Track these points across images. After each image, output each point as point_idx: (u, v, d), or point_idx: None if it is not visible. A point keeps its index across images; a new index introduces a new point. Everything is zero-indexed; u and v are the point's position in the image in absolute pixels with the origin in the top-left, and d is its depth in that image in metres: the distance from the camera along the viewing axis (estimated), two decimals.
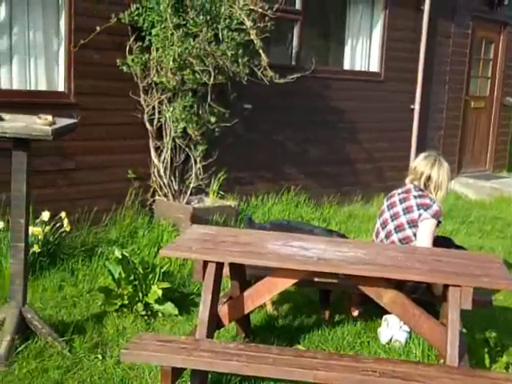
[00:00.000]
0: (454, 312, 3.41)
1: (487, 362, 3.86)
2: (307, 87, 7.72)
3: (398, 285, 3.76)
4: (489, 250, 6.98)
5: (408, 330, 4.36)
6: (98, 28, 5.78)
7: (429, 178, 4.52)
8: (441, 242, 4.62)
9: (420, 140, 9.52)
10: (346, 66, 8.93)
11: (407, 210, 4.46)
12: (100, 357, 3.95)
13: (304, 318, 4.81)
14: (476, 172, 11.22)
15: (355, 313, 4.73)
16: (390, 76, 9.06)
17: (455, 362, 3.35)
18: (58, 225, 5.34)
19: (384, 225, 4.58)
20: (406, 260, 3.69)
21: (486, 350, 3.93)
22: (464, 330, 4.03)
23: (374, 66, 9.02)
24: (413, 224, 4.43)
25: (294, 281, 3.71)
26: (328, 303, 4.77)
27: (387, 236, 4.51)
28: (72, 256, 5.36)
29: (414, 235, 4.42)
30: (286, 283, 3.73)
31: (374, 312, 4.66)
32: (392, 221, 4.52)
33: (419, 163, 4.59)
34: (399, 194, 4.59)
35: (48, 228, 5.26)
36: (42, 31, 5.81)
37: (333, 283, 4.04)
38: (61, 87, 5.93)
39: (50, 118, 3.76)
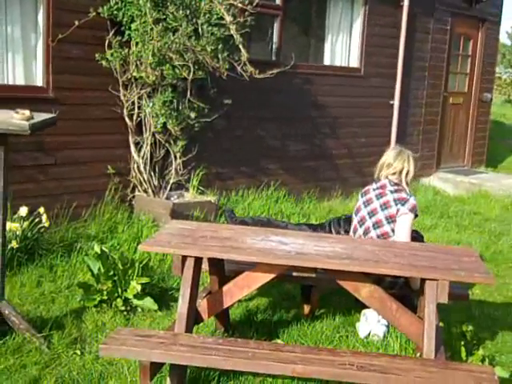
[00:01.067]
0: (430, 305, 3.45)
1: (463, 354, 3.91)
2: (287, 83, 7.74)
3: (377, 280, 3.80)
4: (466, 244, 7.05)
5: (386, 323, 4.40)
6: (76, 22, 5.74)
7: (407, 172, 4.56)
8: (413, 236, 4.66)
9: (399, 135, 9.58)
10: (326, 61, 8.95)
11: (385, 206, 4.48)
12: (79, 352, 3.95)
13: (283, 312, 4.83)
14: (454, 167, 11.31)
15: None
16: (370, 71, 9.10)
17: (432, 354, 3.40)
18: (36, 220, 5.31)
19: (362, 222, 4.58)
20: (383, 254, 3.72)
21: (462, 343, 3.98)
22: (441, 324, 4.07)
23: (354, 62, 9.05)
24: (391, 220, 4.45)
25: (273, 275, 3.73)
26: (309, 298, 4.79)
27: (366, 232, 4.53)
28: (51, 252, 5.34)
29: (392, 231, 4.44)
30: (265, 278, 3.74)
31: (353, 307, 4.71)
32: (370, 217, 4.52)
33: (395, 159, 4.58)
34: (374, 189, 4.59)
35: (26, 224, 5.23)
36: (20, 25, 5.76)
37: (311, 278, 4.07)
38: (39, 82, 5.88)
39: (27, 112, 3.73)
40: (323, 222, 5.07)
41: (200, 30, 5.97)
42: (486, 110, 12.04)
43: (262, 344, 3.47)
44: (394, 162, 4.59)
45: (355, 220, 4.64)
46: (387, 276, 4.15)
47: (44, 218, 5.32)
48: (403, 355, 4.05)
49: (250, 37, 7.01)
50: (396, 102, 9.51)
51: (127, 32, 6.06)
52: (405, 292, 4.33)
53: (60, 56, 5.84)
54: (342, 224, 4.96)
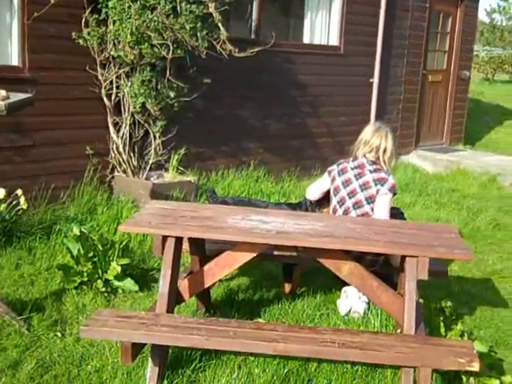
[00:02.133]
0: (410, 282, 3.48)
1: (442, 330, 3.94)
2: (267, 61, 7.70)
3: (358, 258, 3.81)
4: (445, 221, 7.12)
5: (367, 300, 4.43)
6: (52, 0, 5.64)
7: (385, 150, 4.50)
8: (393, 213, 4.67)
9: (378, 113, 9.60)
10: (306, 39, 8.91)
11: (364, 187, 4.44)
12: (59, 334, 3.94)
13: (264, 291, 4.85)
14: (433, 145, 11.38)
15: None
16: (350, 50, 9.08)
17: (412, 330, 3.43)
18: (14, 203, 5.25)
19: (341, 202, 4.52)
20: (364, 232, 3.74)
21: (441, 318, 4.02)
22: (420, 300, 4.11)
23: (334, 40, 9.02)
24: (371, 200, 4.43)
25: (254, 254, 3.73)
26: (290, 277, 4.81)
27: (345, 213, 4.49)
28: (29, 234, 5.29)
29: (372, 210, 4.44)
30: (246, 257, 3.74)
31: (334, 284, 4.73)
32: (350, 198, 4.48)
33: (373, 136, 4.51)
34: (352, 168, 4.51)
35: (4, 206, 5.16)
36: None
37: (292, 256, 4.07)
38: (15, 61, 5.78)
39: (3, 92, 3.68)
40: (301, 201, 5.06)
41: (178, 7, 5.90)
42: (465, 87, 12.09)
43: (244, 323, 3.48)
44: (371, 138, 4.51)
45: (334, 200, 4.58)
46: (368, 254, 4.17)
47: (22, 200, 5.25)
48: (384, 332, 4.09)
49: (229, 15, 6.94)
50: (375, 80, 9.52)
51: (104, 10, 5.97)
52: (385, 269, 4.36)
53: (36, 35, 5.74)
54: (315, 202, 4.91)
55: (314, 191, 4.83)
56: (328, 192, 4.70)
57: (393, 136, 4.59)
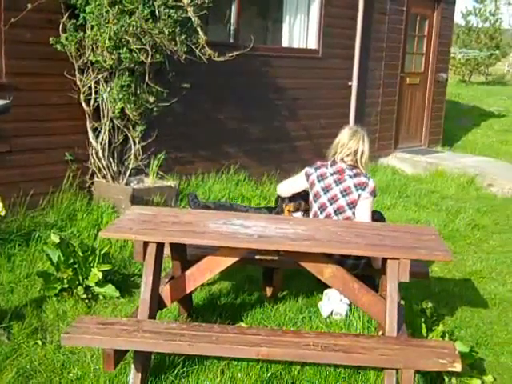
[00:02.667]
0: (392, 284, 3.50)
1: (424, 331, 3.97)
2: (246, 65, 7.70)
3: (340, 263, 3.82)
4: (425, 222, 7.17)
5: (348, 302, 4.45)
6: (29, 5, 5.59)
7: (362, 153, 4.49)
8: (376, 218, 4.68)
9: (357, 116, 9.65)
10: (285, 43, 8.94)
11: (345, 192, 4.43)
12: (40, 342, 3.91)
13: (246, 295, 4.85)
14: (412, 147, 11.45)
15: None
16: (328, 53, 9.11)
17: (394, 332, 3.45)
18: None
19: (322, 208, 4.50)
20: (345, 235, 3.75)
21: (422, 319, 4.05)
22: (402, 302, 4.13)
23: (312, 43, 9.04)
24: (353, 205, 4.43)
25: (236, 259, 3.73)
26: (271, 280, 4.81)
27: (327, 219, 4.49)
28: (8, 241, 5.23)
29: (354, 214, 4.44)
30: (228, 261, 3.74)
31: (315, 287, 4.74)
32: (331, 204, 4.46)
33: (350, 139, 4.49)
34: (332, 174, 4.48)
35: None
36: None
37: (274, 260, 4.08)
38: None
39: None
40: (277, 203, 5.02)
41: (157, 12, 5.88)
42: (442, 89, 12.19)
43: (226, 328, 3.47)
44: (348, 141, 4.49)
45: (315, 206, 4.55)
46: (349, 257, 4.19)
47: (0, 206, 5.20)
48: (366, 334, 4.10)
49: (208, 19, 6.94)
50: (354, 83, 9.56)
51: (82, 15, 5.92)
52: (367, 272, 4.38)
53: (13, 40, 5.69)
54: (287, 201, 4.87)
55: (286, 190, 4.82)
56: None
57: (368, 139, 4.59)
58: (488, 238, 6.96)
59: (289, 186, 4.82)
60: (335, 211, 4.46)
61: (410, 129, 11.57)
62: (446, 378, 3.78)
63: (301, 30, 9.01)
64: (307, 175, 4.62)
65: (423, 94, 11.72)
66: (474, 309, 4.96)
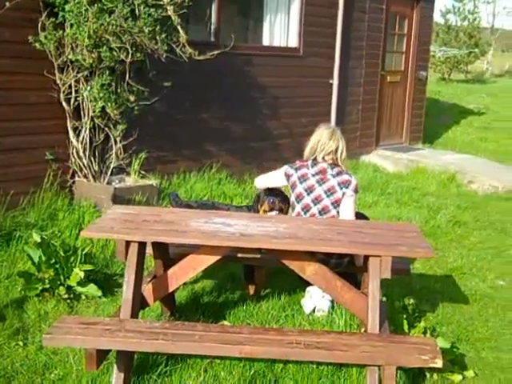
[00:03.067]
0: (374, 281, 3.52)
1: (406, 327, 4.00)
2: (227, 64, 7.69)
3: (323, 261, 3.83)
4: (406, 219, 7.21)
5: (330, 298, 4.46)
6: (7, 4, 5.53)
7: (342, 151, 4.53)
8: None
9: (339, 114, 9.68)
10: (265, 41, 8.94)
11: (330, 192, 4.43)
12: (21, 343, 3.88)
13: (229, 294, 4.85)
14: (393, 144, 11.52)
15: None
16: (309, 51, 9.13)
17: (376, 329, 3.47)
18: None
19: (306, 209, 4.49)
20: (327, 233, 3.76)
21: (404, 316, 4.07)
22: (384, 299, 4.16)
23: (293, 42, 9.06)
24: (337, 204, 4.44)
25: (218, 257, 3.73)
26: (253, 279, 4.81)
27: None
28: None
29: (338, 213, 4.45)
30: (210, 260, 3.74)
31: (298, 285, 4.75)
32: (315, 205, 4.46)
33: (330, 139, 4.51)
34: (314, 175, 4.48)
35: None
36: None
37: (256, 258, 4.07)
38: None
39: None
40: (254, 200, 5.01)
41: (137, 10, 5.85)
42: (422, 87, 12.27)
43: (209, 326, 3.47)
44: (329, 140, 4.51)
45: (298, 207, 4.53)
46: (332, 256, 4.20)
47: None
48: (349, 331, 4.12)
49: (188, 18, 6.92)
50: (335, 82, 9.59)
51: (61, 13, 5.88)
52: (349, 269, 4.39)
53: None
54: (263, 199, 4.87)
55: (263, 184, 4.84)
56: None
57: (343, 136, 4.63)
58: (469, 234, 7.02)
59: (266, 181, 4.84)
60: (320, 211, 4.46)
61: (391, 126, 11.64)
62: (428, 374, 3.81)
63: (281, 29, 9.03)
64: (287, 175, 4.62)
65: (404, 92, 11.79)
66: (455, 305, 5.00)
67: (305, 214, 4.51)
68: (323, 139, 4.53)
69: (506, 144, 13.26)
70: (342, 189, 4.43)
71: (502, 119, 16.51)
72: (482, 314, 4.90)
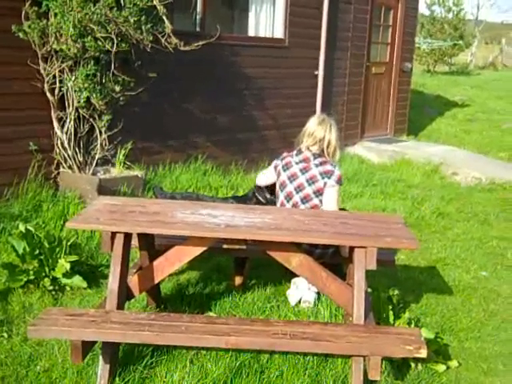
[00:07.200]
0: (359, 273, 3.54)
1: (391, 318, 4.03)
2: (213, 54, 7.67)
3: (308, 252, 3.84)
4: (391, 211, 7.25)
5: (316, 290, 4.48)
6: None
7: (329, 143, 4.52)
8: None
9: (324, 105, 9.69)
10: (251, 32, 8.92)
11: (311, 181, 4.45)
12: (6, 335, 3.86)
13: (214, 285, 4.85)
14: (378, 136, 11.56)
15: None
16: (294, 42, 9.12)
17: (361, 320, 3.49)
18: None
19: (289, 197, 4.52)
20: (312, 224, 3.77)
21: (389, 307, 4.10)
22: (369, 290, 4.18)
23: (279, 33, 9.04)
24: (319, 193, 4.45)
25: (204, 249, 3.73)
26: (242, 270, 4.81)
27: (294, 207, 4.49)
28: None
29: (321, 202, 4.47)
30: (196, 251, 3.74)
31: (283, 276, 4.76)
32: (297, 193, 4.48)
33: (317, 128, 4.51)
34: (297, 163, 4.50)
35: None
36: None
37: (242, 249, 4.08)
38: None
39: None
40: (247, 193, 5.05)
41: (122, 0, 5.82)
42: (407, 79, 12.31)
43: (195, 317, 3.48)
44: (314, 130, 4.51)
45: (281, 196, 4.56)
46: (317, 247, 4.22)
47: None
48: (334, 322, 4.15)
49: (174, 8, 6.88)
50: (320, 73, 9.59)
51: (45, 2, 5.82)
52: (334, 260, 4.41)
53: None
54: (265, 190, 4.91)
55: (264, 181, 4.86)
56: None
57: (337, 128, 4.61)
58: (452, 225, 7.07)
59: (264, 177, 4.87)
60: (302, 200, 4.48)
61: (376, 118, 11.68)
62: (413, 364, 3.85)
63: (267, 20, 9.01)
64: (275, 167, 4.67)
65: (388, 84, 11.83)
66: (438, 296, 5.04)
67: (288, 201, 4.53)
68: (309, 128, 4.55)
69: (489, 136, 13.36)
70: (323, 178, 4.43)
71: (486, 111, 16.61)
72: (466, 304, 4.94)
